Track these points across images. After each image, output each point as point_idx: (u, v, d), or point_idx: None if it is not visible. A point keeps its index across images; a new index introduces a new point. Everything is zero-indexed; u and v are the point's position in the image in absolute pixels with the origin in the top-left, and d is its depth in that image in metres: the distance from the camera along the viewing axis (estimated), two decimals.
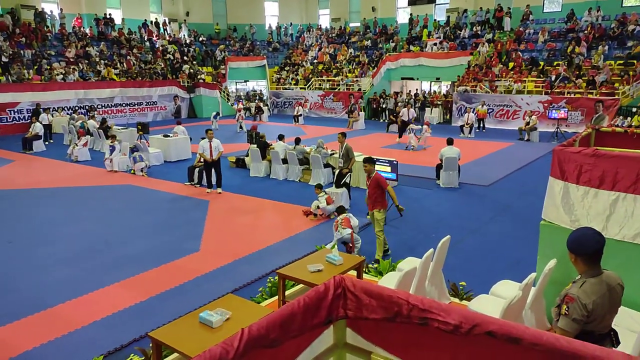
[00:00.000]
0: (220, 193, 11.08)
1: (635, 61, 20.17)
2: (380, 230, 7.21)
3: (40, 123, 18.06)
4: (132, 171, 13.36)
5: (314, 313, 2.02)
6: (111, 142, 14.02)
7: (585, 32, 23.21)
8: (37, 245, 8.01)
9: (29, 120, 19.15)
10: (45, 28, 26.12)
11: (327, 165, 12.03)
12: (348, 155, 10.04)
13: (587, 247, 2.92)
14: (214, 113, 23.07)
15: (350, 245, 7.28)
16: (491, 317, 1.90)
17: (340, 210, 7.82)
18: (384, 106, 25.36)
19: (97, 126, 17.51)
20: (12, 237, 8.36)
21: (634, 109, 18.00)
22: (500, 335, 1.75)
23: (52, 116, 20.51)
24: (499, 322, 1.79)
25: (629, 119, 17.77)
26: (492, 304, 4.63)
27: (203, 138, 11.08)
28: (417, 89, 28.53)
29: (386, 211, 7.38)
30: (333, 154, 12.12)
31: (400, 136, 18.19)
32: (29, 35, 24.60)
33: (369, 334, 2.12)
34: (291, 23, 36.51)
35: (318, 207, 9.27)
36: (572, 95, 20.22)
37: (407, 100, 24.73)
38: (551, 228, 4.86)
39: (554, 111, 19.09)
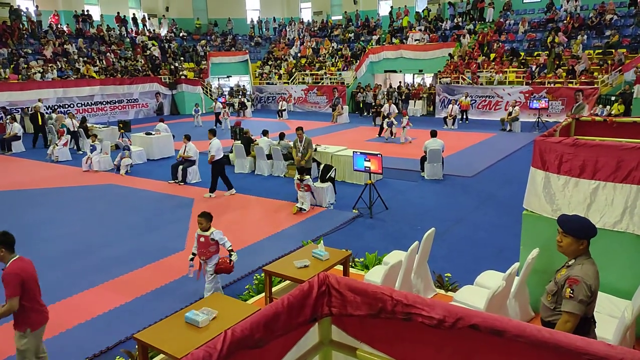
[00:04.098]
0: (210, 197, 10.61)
1: (613, 50, 20.46)
2: None
3: (46, 125, 17.30)
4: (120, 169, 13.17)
5: (298, 311, 2.01)
6: (92, 142, 13.82)
7: (565, 22, 23.47)
8: (19, 248, 7.83)
9: (7, 120, 18.68)
10: (21, 26, 25.56)
11: (287, 158, 12.13)
12: (307, 149, 10.25)
13: (594, 230, 3.12)
14: (195, 107, 22.81)
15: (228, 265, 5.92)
16: (474, 310, 1.91)
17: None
18: (362, 100, 25.35)
19: (77, 125, 17.20)
20: None
21: (613, 98, 18.27)
22: (484, 328, 1.76)
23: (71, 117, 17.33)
24: (483, 315, 1.80)
25: (608, 107, 18.04)
26: (476, 294, 4.68)
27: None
28: (400, 82, 28.59)
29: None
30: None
31: (380, 132, 17.77)
32: (4, 33, 24.05)
33: (354, 330, 2.12)
34: (273, 17, 36.25)
35: (303, 203, 9.26)
36: (553, 85, 20.45)
37: (387, 93, 24.74)
38: (533, 217, 4.92)
39: (535, 101, 19.30)
